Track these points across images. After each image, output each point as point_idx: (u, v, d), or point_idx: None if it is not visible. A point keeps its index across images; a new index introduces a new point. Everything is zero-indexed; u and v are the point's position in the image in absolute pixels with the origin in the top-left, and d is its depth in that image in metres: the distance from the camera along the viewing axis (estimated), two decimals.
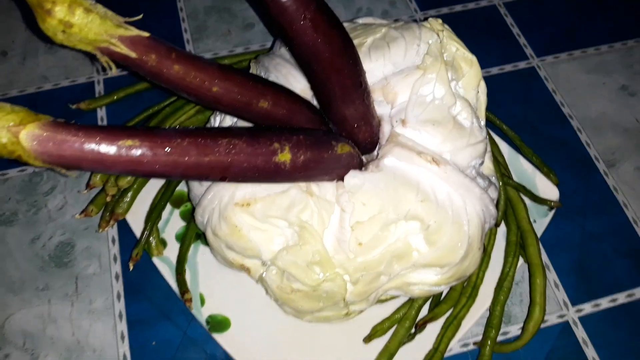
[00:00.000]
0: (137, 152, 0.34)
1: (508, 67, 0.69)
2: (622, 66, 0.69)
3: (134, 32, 0.33)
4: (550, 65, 0.69)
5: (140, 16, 0.34)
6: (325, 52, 0.40)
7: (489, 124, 0.60)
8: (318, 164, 0.41)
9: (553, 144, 0.63)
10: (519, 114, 0.65)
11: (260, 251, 0.43)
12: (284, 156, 0.39)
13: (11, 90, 0.66)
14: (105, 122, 0.64)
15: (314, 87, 0.44)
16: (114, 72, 0.34)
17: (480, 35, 0.72)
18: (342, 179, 0.43)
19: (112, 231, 0.57)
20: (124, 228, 0.55)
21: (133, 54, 0.34)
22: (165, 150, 0.35)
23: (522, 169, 0.58)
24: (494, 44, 0.71)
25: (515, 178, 0.57)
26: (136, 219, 0.54)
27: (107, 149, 0.33)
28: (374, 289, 0.44)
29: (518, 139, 0.60)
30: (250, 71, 0.53)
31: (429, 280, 0.44)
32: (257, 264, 0.45)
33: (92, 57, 0.34)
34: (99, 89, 0.66)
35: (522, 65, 0.69)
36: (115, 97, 0.63)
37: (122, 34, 0.33)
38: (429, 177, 0.42)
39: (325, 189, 0.43)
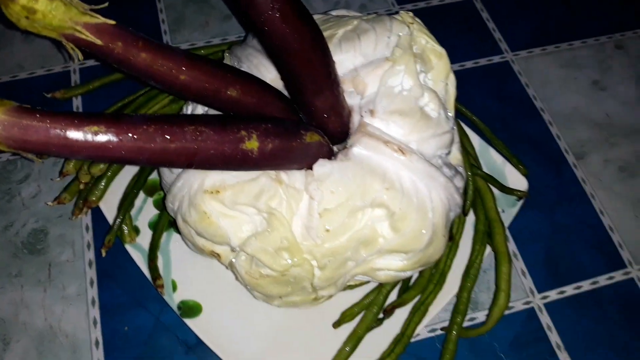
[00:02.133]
0: (102, 137, 0.35)
1: (483, 61, 0.70)
2: (594, 61, 0.71)
3: (99, 19, 0.34)
4: (524, 59, 0.71)
5: (106, 4, 0.34)
6: (294, 44, 0.40)
7: (461, 116, 0.61)
8: (286, 153, 0.42)
9: (524, 137, 0.64)
10: (492, 107, 0.67)
11: (229, 238, 0.44)
12: (252, 144, 0.39)
13: None
14: (80, 111, 0.64)
15: (283, 77, 0.44)
16: (80, 59, 0.35)
17: (456, 29, 0.73)
18: (311, 167, 0.44)
19: (86, 219, 0.57)
20: (98, 216, 0.56)
21: (99, 42, 0.34)
22: (131, 135, 0.35)
23: (492, 160, 0.59)
24: (469, 38, 0.72)
25: (485, 169, 0.58)
26: (109, 207, 0.54)
27: (73, 134, 0.34)
28: (341, 274, 0.45)
29: (488, 130, 0.61)
30: (224, 61, 0.53)
31: (394, 265, 0.45)
32: (227, 250, 0.46)
33: (60, 45, 0.34)
34: (75, 78, 0.67)
35: (496, 59, 0.70)
36: (90, 87, 0.63)
37: (87, 21, 0.33)
38: (395, 166, 0.43)
39: (295, 177, 0.44)
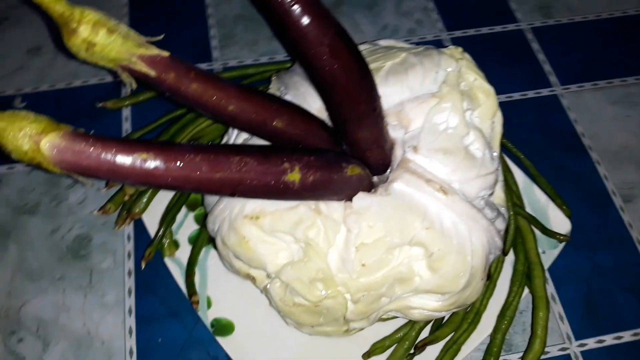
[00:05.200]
0: (150, 165, 0.36)
1: (530, 94, 0.69)
2: None
3: (154, 51, 0.35)
4: (574, 94, 0.69)
5: (161, 37, 0.35)
6: (342, 79, 0.40)
7: (505, 150, 0.60)
8: (327, 185, 0.42)
9: (570, 175, 0.63)
10: (537, 142, 0.65)
11: (265, 263, 0.45)
12: (294, 176, 0.40)
13: (42, 85, 0.68)
14: (129, 122, 0.66)
15: (328, 109, 0.44)
16: (133, 87, 0.36)
17: (504, 59, 0.72)
18: (350, 199, 0.44)
19: (129, 229, 0.59)
20: (140, 227, 0.57)
21: (152, 73, 0.35)
22: (178, 164, 0.36)
23: (536, 198, 0.58)
24: (518, 69, 0.71)
25: (528, 207, 0.57)
26: (152, 219, 0.56)
27: (122, 160, 0.35)
28: (375, 309, 0.45)
29: (533, 167, 0.59)
30: (271, 85, 0.54)
31: (429, 305, 0.44)
32: (263, 275, 0.46)
33: (114, 72, 0.35)
34: (126, 89, 0.69)
35: (544, 92, 0.69)
36: (140, 98, 0.65)
37: (142, 53, 0.34)
38: (436, 205, 0.43)
39: (333, 208, 0.44)
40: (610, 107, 0.68)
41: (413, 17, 0.76)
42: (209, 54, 0.71)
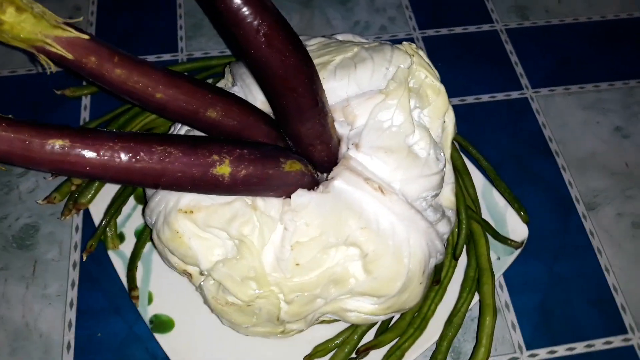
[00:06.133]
0: (67, 151, 0.34)
1: (500, 96, 0.67)
2: (620, 106, 0.67)
3: (72, 33, 0.33)
4: (544, 97, 0.67)
5: (81, 18, 0.34)
6: (279, 69, 0.39)
7: (466, 152, 0.59)
8: (261, 180, 0.41)
9: (534, 179, 0.61)
10: (504, 144, 0.64)
11: (199, 260, 0.43)
12: (223, 169, 0.39)
13: (3, 70, 0.67)
14: (88, 111, 0.64)
15: (269, 101, 0.43)
16: (53, 70, 0.34)
17: (476, 59, 0.70)
18: (289, 196, 0.43)
19: (77, 219, 0.58)
20: (89, 218, 0.56)
21: (70, 55, 0.34)
22: (96, 152, 0.35)
23: (494, 202, 0.56)
24: (489, 69, 0.69)
25: (485, 211, 0.55)
26: (99, 211, 0.54)
27: (37, 146, 0.34)
28: (310, 310, 0.43)
29: (493, 171, 0.58)
30: (225, 77, 0.52)
31: (364, 308, 0.43)
32: (198, 271, 0.45)
33: (32, 55, 0.34)
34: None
35: (514, 95, 0.67)
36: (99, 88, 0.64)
37: (58, 35, 0.33)
38: (373, 205, 0.41)
39: (271, 204, 0.43)
40: (581, 113, 0.66)
41: (386, 14, 0.74)
42: (175, 45, 0.70)
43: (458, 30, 0.73)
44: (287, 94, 0.41)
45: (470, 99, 0.66)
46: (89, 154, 0.35)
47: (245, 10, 0.36)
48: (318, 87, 0.42)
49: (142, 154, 0.36)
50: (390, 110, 0.43)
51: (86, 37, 0.34)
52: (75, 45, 0.34)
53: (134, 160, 0.35)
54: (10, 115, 0.34)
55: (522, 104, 0.67)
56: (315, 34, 0.69)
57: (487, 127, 0.65)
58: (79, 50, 0.34)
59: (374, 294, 0.42)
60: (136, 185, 0.43)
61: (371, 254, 0.40)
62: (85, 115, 0.64)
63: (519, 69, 0.69)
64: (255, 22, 0.37)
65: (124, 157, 0.35)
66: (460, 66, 0.69)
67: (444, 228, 0.44)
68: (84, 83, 0.67)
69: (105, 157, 0.35)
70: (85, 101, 0.65)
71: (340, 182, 0.42)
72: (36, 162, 0.34)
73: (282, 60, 0.39)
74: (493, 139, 0.64)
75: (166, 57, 0.69)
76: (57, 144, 0.34)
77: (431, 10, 0.74)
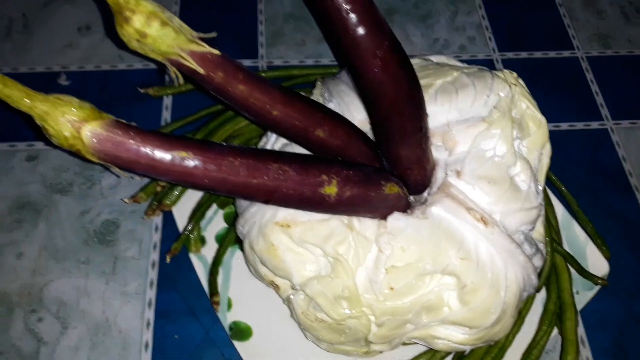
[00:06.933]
0: (189, 163, 0.35)
1: (579, 125, 0.66)
2: None
3: (205, 48, 0.34)
4: (625, 130, 0.66)
5: (214, 34, 0.35)
6: (390, 93, 0.39)
7: (548, 182, 0.58)
8: (363, 201, 0.41)
9: (613, 215, 0.60)
10: (582, 176, 0.63)
11: (291, 274, 0.44)
12: (331, 189, 0.39)
13: (88, 65, 0.69)
14: (169, 111, 0.65)
15: (372, 123, 0.43)
16: (180, 82, 0.35)
17: (555, 86, 0.69)
18: (385, 218, 0.43)
19: (157, 219, 0.58)
20: (169, 219, 0.57)
21: (201, 70, 0.34)
22: (217, 166, 0.35)
23: (575, 235, 0.55)
24: (568, 98, 0.68)
25: (565, 244, 0.55)
26: (181, 213, 0.55)
27: (161, 156, 0.34)
28: (398, 334, 0.43)
29: (575, 204, 0.57)
30: (315, 90, 0.53)
31: (455, 337, 0.43)
32: (287, 284, 0.46)
33: (161, 66, 0.35)
34: (169, 79, 0.68)
35: (594, 125, 0.67)
36: (183, 88, 0.65)
37: (193, 49, 0.34)
38: (474, 235, 0.41)
39: (367, 225, 0.43)
40: None
41: (466, 34, 0.74)
42: (255, 50, 0.71)
43: (538, 54, 0.72)
44: (394, 118, 0.41)
45: (549, 127, 0.65)
46: (210, 167, 0.35)
47: (365, 34, 0.36)
48: (424, 113, 0.42)
49: (259, 170, 0.36)
50: (493, 139, 0.43)
51: (218, 52, 0.35)
52: (207, 60, 0.35)
53: (251, 176, 0.36)
54: (133, 123, 0.35)
55: (602, 135, 0.66)
56: None
57: (565, 157, 0.64)
58: (209, 65, 0.35)
59: (467, 325, 0.42)
60: (247, 199, 0.44)
61: (469, 285, 0.40)
62: (166, 115, 0.65)
63: (599, 99, 0.68)
64: (373, 46, 0.37)
65: (242, 173, 0.36)
66: (539, 91, 0.67)
67: (538, 262, 0.44)
68: (166, 82, 0.68)
69: (225, 172, 0.35)
70: (167, 101, 0.66)
71: (439, 209, 0.42)
72: (159, 172, 0.35)
73: (395, 85, 0.39)
74: (570, 168, 0.63)
75: (246, 62, 0.69)
76: (180, 156, 0.35)
77: (511, 32, 0.74)
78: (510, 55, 0.72)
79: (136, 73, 0.69)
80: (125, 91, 0.67)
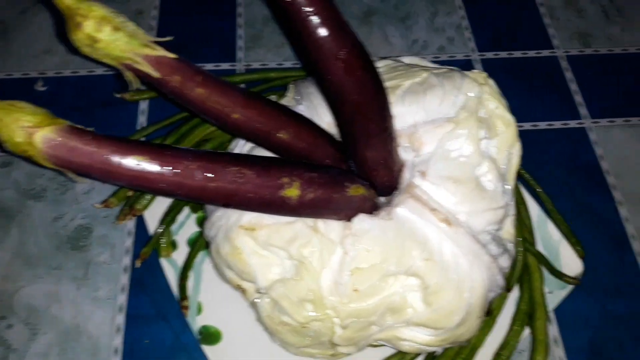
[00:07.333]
0: (144, 167, 0.35)
1: (557, 124, 0.66)
2: None
3: (160, 52, 0.34)
4: (603, 129, 0.66)
5: (171, 38, 0.34)
6: (354, 95, 0.39)
7: (522, 181, 0.58)
8: (327, 204, 0.41)
9: (589, 213, 0.60)
10: (559, 175, 0.63)
11: (256, 277, 0.43)
12: (292, 192, 0.39)
13: (65, 70, 0.68)
14: (146, 115, 0.65)
15: (338, 125, 0.43)
16: (137, 87, 0.35)
17: (534, 85, 0.69)
18: (350, 219, 0.43)
19: (130, 224, 0.58)
20: (142, 224, 0.56)
21: (156, 74, 0.34)
22: (172, 170, 0.35)
23: (549, 234, 0.55)
24: (547, 97, 0.68)
25: (539, 243, 0.54)
26: (153, 217, 0.55)
27: (116, 160, 0.34)
28: (363, 336, 0.43)
29: (550, 203, 0.57)
30: (288, 93, 0.52)
31: (420, 339, 0.43)
32: (253, 288, 0.45)
33: (117, 70, 0.34)
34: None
35: (572, 124, 0.66)
36: (159, 93, 0.64)
37: (147, 53, 0.33)
38: (438, 236, 0.41)
39: (331, 227, 0.43)
40: None
41: (445, 34, 0.73)
42: (233, 54, 0.71)
43: (517, 54, 0.72)
44: (358, 120, 0.40)
45: (527, 125, 0.65)
46: (166, 171, 0.35)
47: (327, 35, 0.36)
48: (388, 114, 0.42)
49: (217, 174, 0.36)
50: (459, 140, 0.43)
51: (173, 56, 0.35)
52: (162, 63, 0.34)
53: (208, 180, 0.36)
54: (92, 129, 0.35)
55: (580, 134, 0.66)
56: (373, 50, 0.69)
57: (542, 155, 0.64)
58: (165, 68, 0.35)
59: (431, 326, 0.41)
60: (206, 203, 0.44)
61: (433, 286, 0.40)
62: (142, 119, 0.65)
63: (578, 98, 0.68)
64: (336, 48, 0.37)
65: (199, 176, 0.36)
66: (518, 91, 0.68)
67: (505, 262, 0.44)
68: (143, 88, 0.67)
69: (181, 176, 0.35)
70: (143, 105, 0.66)
71: (404, 210, 0.42)
72: (114, 176, 0.35)
73: (359, 88, 0.38)
74: (547, 167, 0.63)
75: (224, 65, 0.69)
76: (135, 160, 0.34)
77: (491, 32, 0.74)
78: (489, 55, 0.72)
79: (112, 78, 0.69)
80: (101, 96, 0.67)
